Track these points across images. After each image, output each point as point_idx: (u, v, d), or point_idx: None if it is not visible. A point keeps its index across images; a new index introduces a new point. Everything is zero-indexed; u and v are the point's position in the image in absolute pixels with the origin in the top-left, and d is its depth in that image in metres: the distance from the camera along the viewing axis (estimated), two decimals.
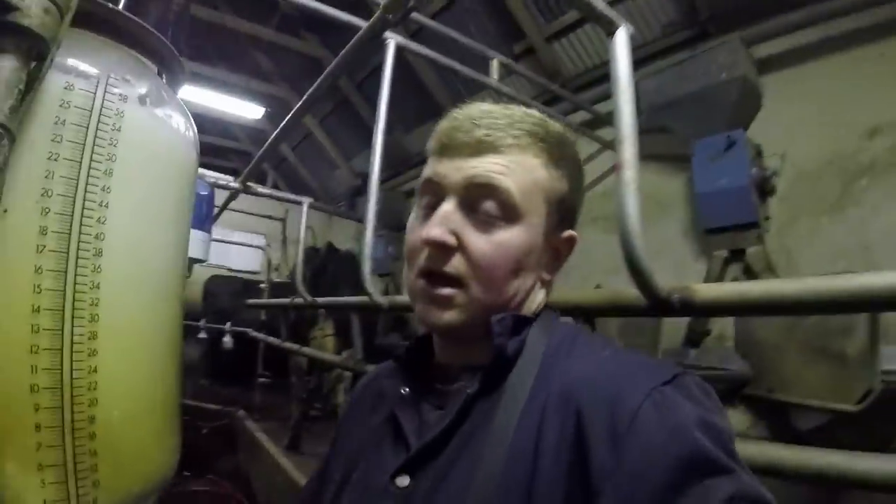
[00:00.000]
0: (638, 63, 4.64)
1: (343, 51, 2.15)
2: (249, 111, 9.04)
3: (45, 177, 1.10)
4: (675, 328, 3.83)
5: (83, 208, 1.14)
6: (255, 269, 10.18)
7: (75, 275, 1.13)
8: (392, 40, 2.54)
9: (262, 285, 7.72)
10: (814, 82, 3.87)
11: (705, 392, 0.71)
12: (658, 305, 1.21)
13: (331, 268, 6.67)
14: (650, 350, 2.84)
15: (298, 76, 8.83)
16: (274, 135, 3.22)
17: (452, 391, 0.84)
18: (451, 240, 0.80)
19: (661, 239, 4.49)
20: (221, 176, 4.44)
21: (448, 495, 0.74)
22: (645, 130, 4.44)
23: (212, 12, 7.54)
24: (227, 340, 7.25)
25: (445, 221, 0.81)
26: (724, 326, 3.74)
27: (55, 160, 1.11)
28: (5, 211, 1.03)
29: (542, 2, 5.19)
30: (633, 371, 0.72)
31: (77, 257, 1.13)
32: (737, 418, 3.11)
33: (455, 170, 0.83)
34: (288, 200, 4.80)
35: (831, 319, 2.59)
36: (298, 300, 4.24)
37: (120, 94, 1.23)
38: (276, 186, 10.78)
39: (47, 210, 1.10)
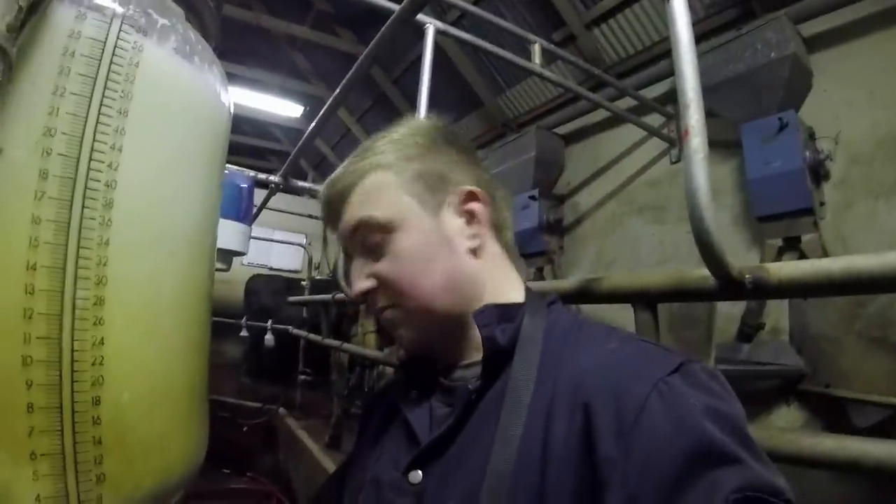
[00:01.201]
0: None
1: (377, 35, 2.10)
2: (288, 110, 9.11)
3: (49, 113, 0.95)
4: (727, 322, 3.71)
5: (92, 150, 0.98)
6: (296, 268, 10.26)
7: (80, 227, 0.97)
8: (431, 26, 2.51)
9: (304, 282, 7.75)
10: (864, 60, 3.70)
11: (714, 378, 0.70)
12: (729, 286, 1.11)
13: None
14: (703, 345, 2.74)
15: (335, 74, 8.83)
16: (310, 128, 3.21)
17: (459, 387, 0.86)
18: (369, 283, 0.89)
19: None
20: (259, 175, 4.46)
21: (461, 489, 0.75)
22: None
23: (246, 12, 7.62)
24: (269, 338, 7.32)
25: (359, 273, 0.90)
26: (777, 319, 3.60)
27: (61, 95, 0.96)
28: (0, 150, 0.91)
29: None
30: (639, 362, 0.72)
31: (83, 207, 0.97)
32: (791, 415, 3.02)
33: (340, 233, 0.94)
34: None
35: (892, 308, 2.47)
36: (340, 295, 4.29)
37: (140, 27, 1.09)
38: (315, 185, 10.85)
39: (49, 151, 0.94)
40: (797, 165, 3.49)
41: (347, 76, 2.48)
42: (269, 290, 8.53)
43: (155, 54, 1.10)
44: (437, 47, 2.56)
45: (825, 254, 3.53)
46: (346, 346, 5.11)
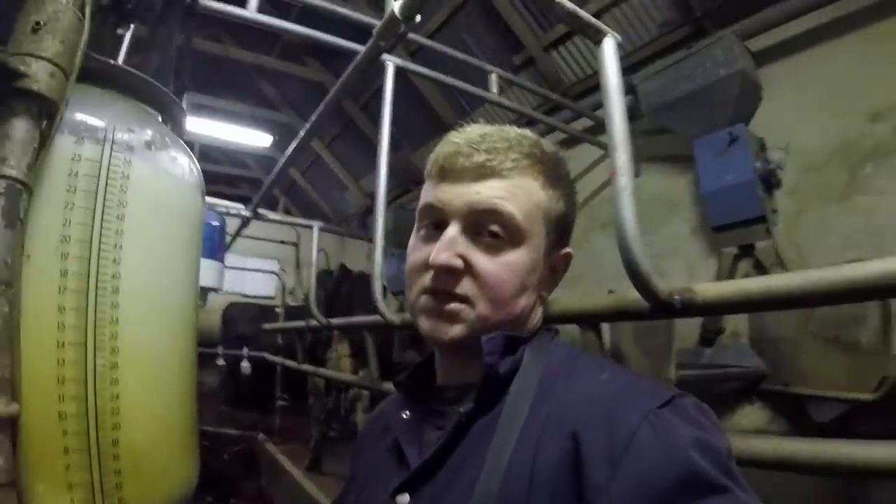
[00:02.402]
0: (637, 65, 4.67)
1: (341, 78, 2.20)
2: (258, 139, 9.16)
3: (63, 224, 1.23)
4: (689, 328, 3.84)
5: (99, 250, 1.27)
6: (271, 294, 10.27)
7: (95, 311, 1.25)
8: (391, 63, 2.60)
9: (278, 309, 7.78)
10: (814, 70, 3.87)
11: (703, 412, 0.71)
12: (660, 307, 1.23)
13: (344, 289, 6.73)
14: (665, 351, 2.85)
15: (303, 102, 8.96)
16: (281, 161, 3.29)
17: (452, 412, 0.84)
18: (459, 263, 0.81)
19: (671, 240, 4.51)
20: (233, 205, 4.51)
21: None
22: (647, 133, 4.52)
23: (216, 45, 7.68)
24: (246, 366, 7.34)
25: (452, 246, 0.82)
26: (737, 324, 3.73)
27: (71, 209, 1.24)
28: (28, 257, 1.14)
29: (538, 12, 5.23)
30: (630, 394, 0.73)
31: (96, 295, 1.26)
32: (755, 414, 3.11)
33: (458, 195, 0.84)
34: (298, 225, 4.87)
35: (843, 310, 2.58)
36: (313, 322, 4.31)
37: (127, 144, 1.35)
38: (287, 211, 10.89)
39: (66, 255, 1.23)
40: (748, 177, 3.66)
41: (314, 115, 2.58)
42: (246, 317, 8.54)
43: (141, 165, 1.39)
44: (402, 76, 2.66)
45: (779, 259, 3.68)
46: (322, 370, 5.19)
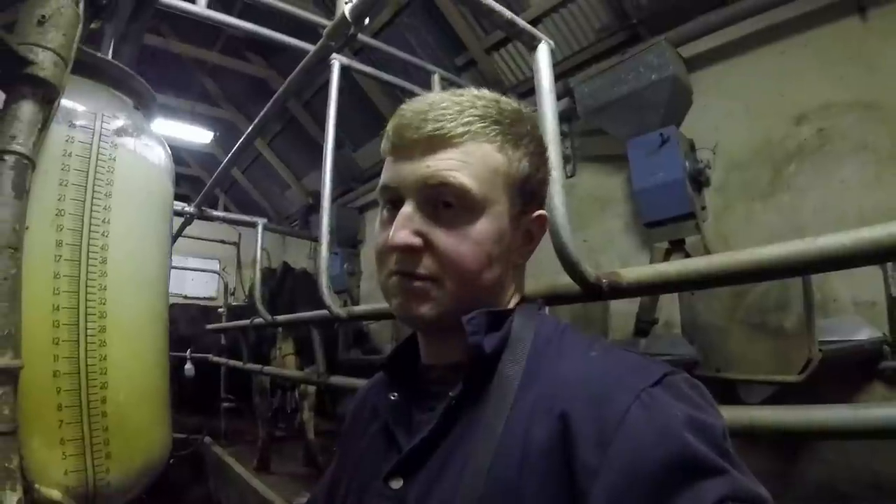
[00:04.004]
0: (575, 68, 4.80)
1: (290, 77, 2.26)
2: (198, 136, 9.00)
3: (58, 199, 1.39)
4: (625, 319, 4.01)
5: (90, 223, 1.43)
6: (211, 295, 10.12)
7: (86, 278, 1.41)
8: (337, 61, 2.65)
9: (221, 310, 7.69)
10: (741, 75, 4.08)
11: (696, 390, 0.70)
12: (590, 290, 1.34)
13: (287, 287, 6.70)
14: None
15: (245, 98, 8.84)
16: (226, 160, 3.30)
17: (440, 392, 0.81)
18: (417, 241, 0.78)
19: (605, 234, 4.69)
20: (176, 203, 4.45)
21: (440, 495, 0.73)
22: (584, 133, 4.67)
23: (155, 38, 7.52)
24: (189, 368, 7.22)
25: (408, 224, 0.79)
26: (670, 314, 3.91)
27: (65, 185, 1.40)
28: (27, 227, 1.26)
29: (481, 14, 5.30)
30: (621, 372, 0.71)
31: (87, 264, 1.42)
32: None
33: (410, 172, 0.81)
34: (243, 223, 4.83)
35: (769, 297, 2.72)
36: (258, 320, 4.29)
37: (112, 130, 1.52)
38: (227, 210, 10.72)
39: (61, 226, 1.38)
40: (678, 176, 3.85)
41: (260, 115, 2.61)
42: (186, 318, 8.39)
43: (125, 149, 1.56)
44: (346, 73, 2.71)
45: (707, 253, 3.82)
46: (268, 368, 5.17)
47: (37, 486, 1.26)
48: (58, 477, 1.34)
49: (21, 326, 1.20)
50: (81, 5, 1.29)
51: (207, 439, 6.98)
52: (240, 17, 2.96)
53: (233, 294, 8.60)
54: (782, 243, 1.19)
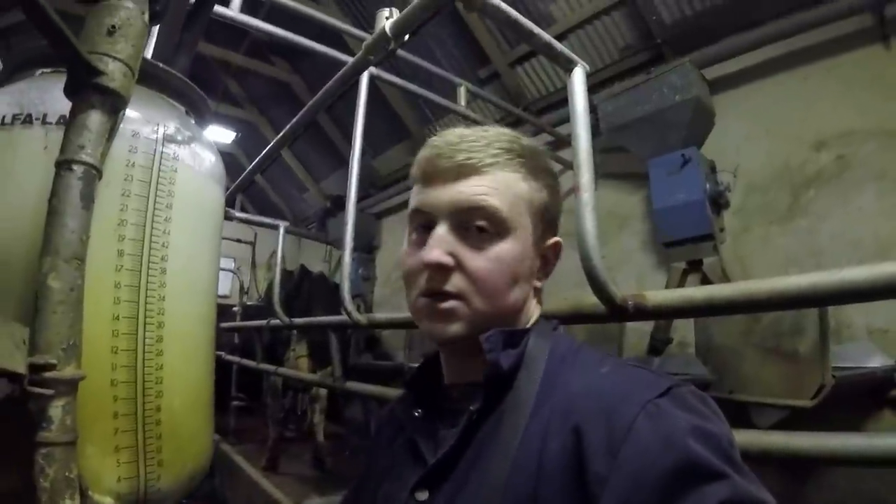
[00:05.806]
0: (598, 85, 4.83)
1: (324, 88, 2.27)
2: (220, 136, 9.06)
3: (121, 210, 1.41)
4: (639, 337, 4.01)
5: (152, 234, 1.45)
6: (226, 294, 10.17)
7: (146, 289, 1.43)
8: (366, 72, 2.67)
9: (235, 308, 7.74)
10: (762, 99, 4.11)
11: (702, 401, 0.72)
12: (615, 311, 1.37)
13: (305, 290, 6.74)
14: None
15: (267, 100, 8.92)
16: (251, 167, 3.35)
17: (462, 409, 0.84)
18: (449, 260, 0.83)
19: (622, 252, 4.70)
20: None
21: None
22: (605, 150, 4.71)
23: None
24: None
25: (441, 244, 0.83)
26: (685, 334, 3.93)
27: (128, 196, 1.42)
28: (90, 237, 1.26)
29: (522, 37, 5.34)
30: (630, 386, 0.73)
31: (147, 274, 1.44)
32: None
33: (442, 196, 0.86)
34: (266, 225, 4.86)
35: (783, 321, 2.72)
36: (275, 321, 4.31)
37: (174, 140, 1.54)
38: (244, 209, 10.80)
39: (123, 237, 1.40)
40: (698, 197, 3.87)
41: (290, 124, 2.63)
42: None
43: (185, 160, 1.59)
44: (371, 82, 2.74)
45: (724, 274, 3.87)
46: (281, 370, 5.19)
47: (90, 493, 1.26)
48: (111, 484, 1.35)
49: (82, 336, 1.19)
50: (147, 15, 1.28)
51: (216, 436, 7.00)
52: (266, 20, 2.98)
53: (246, 293, 8.65)
54: (806, 274, 1.22)
